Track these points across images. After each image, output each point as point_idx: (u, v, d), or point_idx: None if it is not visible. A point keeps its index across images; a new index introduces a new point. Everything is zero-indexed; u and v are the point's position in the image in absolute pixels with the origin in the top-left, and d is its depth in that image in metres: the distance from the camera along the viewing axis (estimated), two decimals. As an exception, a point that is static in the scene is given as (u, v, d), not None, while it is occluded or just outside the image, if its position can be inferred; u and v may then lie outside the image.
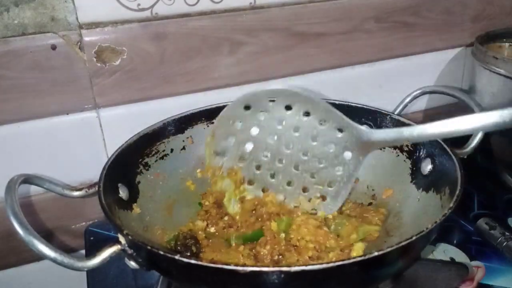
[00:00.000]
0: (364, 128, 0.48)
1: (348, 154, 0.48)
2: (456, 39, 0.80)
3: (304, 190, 0.52)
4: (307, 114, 0.48)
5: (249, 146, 0.51)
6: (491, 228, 0.58)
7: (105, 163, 0.49)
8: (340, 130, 0.48)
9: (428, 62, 0.80)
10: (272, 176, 0.52)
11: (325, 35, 0.69)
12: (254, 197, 0.53)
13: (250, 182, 0.52)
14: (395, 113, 0.62)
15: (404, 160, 0.56)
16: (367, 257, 0.35)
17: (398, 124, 0.56)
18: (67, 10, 0.55)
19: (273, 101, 0.47)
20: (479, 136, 0.55)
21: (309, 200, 0.52)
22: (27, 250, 0.38)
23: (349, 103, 0.59)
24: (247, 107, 0.48)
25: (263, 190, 0.53)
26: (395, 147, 0.57)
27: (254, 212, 0.51)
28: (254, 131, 0.50)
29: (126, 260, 0.41)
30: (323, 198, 0.52)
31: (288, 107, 0.48)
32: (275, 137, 0.50)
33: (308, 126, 0.48)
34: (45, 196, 0.62)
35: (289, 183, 0.52)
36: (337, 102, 0.58)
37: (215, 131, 0.50)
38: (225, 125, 0.49)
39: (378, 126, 0.59)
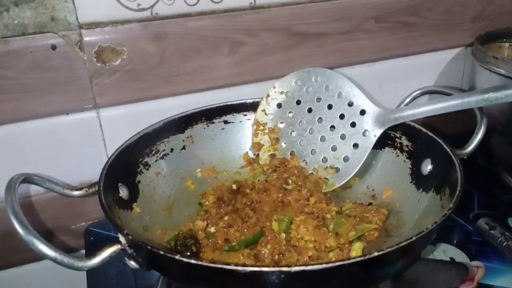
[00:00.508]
0: (380, 109, 0.55)
1: (366, 133, 0.56)
2: (456, 39, 0.80)
3: (323, 160, 0.59)
4: (340, 95, 0.57)
5: (290, 114, 0.61)
6: (491, 228, 0.58)
7: (105, 163, 0.49)
8: (363, 112, 0.56)
9: (428, 62, 0.80)
10: (301, 142, 0.60)
11: (325, 35, 0.69)
12: (282, 157, 0.61)
13: (283, 144, 0.61)
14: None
15: (404, 161, 0.56)
16: (367, 257, 0.35)
17: (399, 125, 0.56)
18: (67, 10, 0.55)
19: (316, 80, 0.59)
20: (479, 137, 0.55)
21: (325, 169, 0.58)
22: (27, 250, 0.38)
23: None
24: (297, 82, 0.60)
25: (291, 154, 0.61)
26: (395, 148, 0.57)
27: (277, 168, 0.59)
28: (297, 102, 0.60)
29: (126, 260, 0.41)
30: (337, 170, 0.58)
31: (327, 87, 0.58)
32: (312, 110, 0.59)
33: (339, 105, 0.57)
34: (45, 196, 0.62)
35: (312, 152, 0.59)
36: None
37: (269, 94, 0.61)
38: (276, 93, 0.61)
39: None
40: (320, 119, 0.59)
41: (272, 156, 0.61)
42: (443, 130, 0.66)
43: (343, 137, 0.57)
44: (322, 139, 0.59)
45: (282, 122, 0.61)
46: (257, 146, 0.62)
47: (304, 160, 0.60)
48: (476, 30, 0.78)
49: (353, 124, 0.57)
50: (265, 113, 0.61)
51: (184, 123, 0.60)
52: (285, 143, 0.61)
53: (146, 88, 0.62)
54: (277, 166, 0.60)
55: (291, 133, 0.61)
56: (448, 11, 0.76)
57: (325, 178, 0.58)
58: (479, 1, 0.78)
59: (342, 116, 0.57)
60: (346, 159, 0.57)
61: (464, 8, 0.77)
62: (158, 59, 0.61)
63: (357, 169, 0.56)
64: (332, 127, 0.58)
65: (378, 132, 0.55)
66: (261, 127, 0.61)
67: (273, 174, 0.59)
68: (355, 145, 0.56)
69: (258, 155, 0.62)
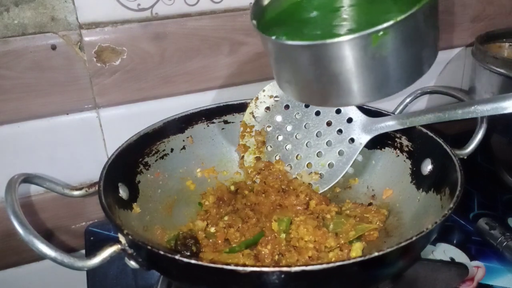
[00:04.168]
0: (367, 118, 0.56)
1: (352, 141, 0.57)
2: (456, 39, 0.80)
3: (308, 165, 0.59)
4: None
5: (278, 118, 0.61)
6: (491, 228, 0.58)
7: (105, 163, 0.49)
8: (350, 120, 0.57)
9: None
10: (287, 147, 0.60)
11: (325, 35, 0.69)
12: (267, 161, 0.61)
13: (269, 147, 0.61)
14: (395, 113, 0.62)
15: (404, 161, 0.56)
16: (367, 257, 0.35)
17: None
18: (67, 10, 0.55)
19: None
20: (479, 137, 0.55)
21: (309, 174, 0.58)
22: (27, 250, 0.38)
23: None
24: None
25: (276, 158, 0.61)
26: (395, 148, 0.57)
27: (261, 171, 0.60)
28: (286, 107, 0.60)
29: (126, 260, 0.41)
30: (321, 176, 0.58)
31: None
32: (300, 116, 0.60)
33: (327, 112, 0.58)
34: (45, 196, 0.62)
35: (298, 157, 0.60)
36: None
37: (258, 97, 0.61)
38: (265, 96, 0.61)
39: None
40: (307, 125, 0.59)
41: (257, 158, 0.61)
42: (443, 130, 0.66)
43: (329, 143, 0.58)
44: (308, 144, 0.59)
45: (269, 126, 0.61)
46: (243, 148, 0.61)
47: (289, 164, 0.60)
48: (476, 30, 0.78)
49: (339, 132, 0.57)
50: (253, 116, 0.61)
51: (184, 123, 0.60)
52: (271, 147, 0.61)
53: (146, 88, 0.62)
54: (261, 169, 0.60)
55: (277, 137, 0.60)
56: (448, 11, 0.76)
57: (308, 183, 0.58)
58: (479, 1, 0.78)
59: (329, 123, 0.58)
60: (330, 165, 0.58)
61: (464, 8, 0.77)
62: (158, 59, 0.61)
63: (341, 175, 0.57)
64: (319, 133, 0.58)
65: (364, 140, 0.55)
66: (248, 130, 0.61)
67: (257, 177, 0.59)
68: (340, 152, 0.57)
69: (243, 157, 0.61)
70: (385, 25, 0.35)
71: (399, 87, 0.41)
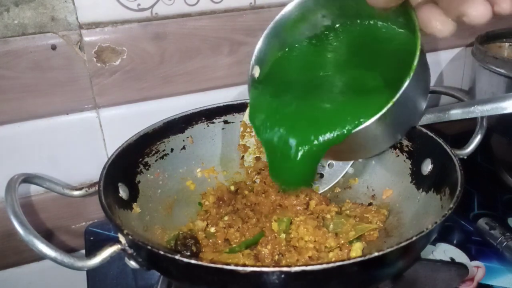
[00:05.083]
0: None
1: None
2: (456, 39, 0.80)
3: None
4: None
5: None
6: (491, 228, 0.58)
7: (105, 162, 0.49)
8: None
9: (428, 62, 0.80)
10: None
11: (325, 35, 0.69)
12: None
13: None
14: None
15: (404, 161, 0.56)
16: (367, 257, 0.35)
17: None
18: (67, 10, 0.55)
19: None
20: (479, 137, 0.55)
21: None
22: (28, 250, 0.38)
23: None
24: None
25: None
26: (395, 147, 0.57)
27: (261, 171, 0.59)
28: None
29: (126, 260, 0.41)
30: (321, 176, 0.58)
31: None
32: None
33: None
34: (45, 196, 0.62)
35: None
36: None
37: None
38: None
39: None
40: None
41: (257, 158, 0.61)
42: (443, 130, 0.66)
43: None
44: None
45: None
46: (243, 148, 0.61)
47: None
48: (476, 30, 0.78)
49: None
50: None
51: (184, 123, 0.60)
52: None
53: (146, 88, 0.62)
54: (261, 169, 0.59)
55: None
56: (448, 11, 0.76)
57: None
58: (479, 1, 0.78)
59: None
60: (330, 165, 0.58)
61: (464, 8, 0.77)
62: (158, 59, 0.61)
63: (341, 175, 0.57)
64: None
65: None
66: (248, 130, 0.61)
67: (257, 177, 0.59)
68: None
69: (243, 157, 0.61)
70: (383, 110, 0.37)
71: (408, 128, 0.45)
